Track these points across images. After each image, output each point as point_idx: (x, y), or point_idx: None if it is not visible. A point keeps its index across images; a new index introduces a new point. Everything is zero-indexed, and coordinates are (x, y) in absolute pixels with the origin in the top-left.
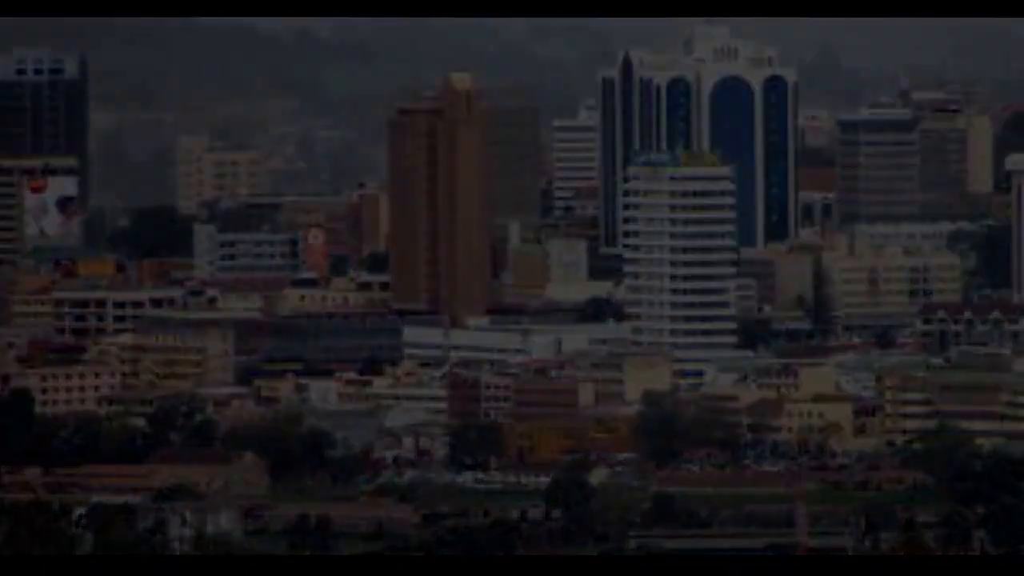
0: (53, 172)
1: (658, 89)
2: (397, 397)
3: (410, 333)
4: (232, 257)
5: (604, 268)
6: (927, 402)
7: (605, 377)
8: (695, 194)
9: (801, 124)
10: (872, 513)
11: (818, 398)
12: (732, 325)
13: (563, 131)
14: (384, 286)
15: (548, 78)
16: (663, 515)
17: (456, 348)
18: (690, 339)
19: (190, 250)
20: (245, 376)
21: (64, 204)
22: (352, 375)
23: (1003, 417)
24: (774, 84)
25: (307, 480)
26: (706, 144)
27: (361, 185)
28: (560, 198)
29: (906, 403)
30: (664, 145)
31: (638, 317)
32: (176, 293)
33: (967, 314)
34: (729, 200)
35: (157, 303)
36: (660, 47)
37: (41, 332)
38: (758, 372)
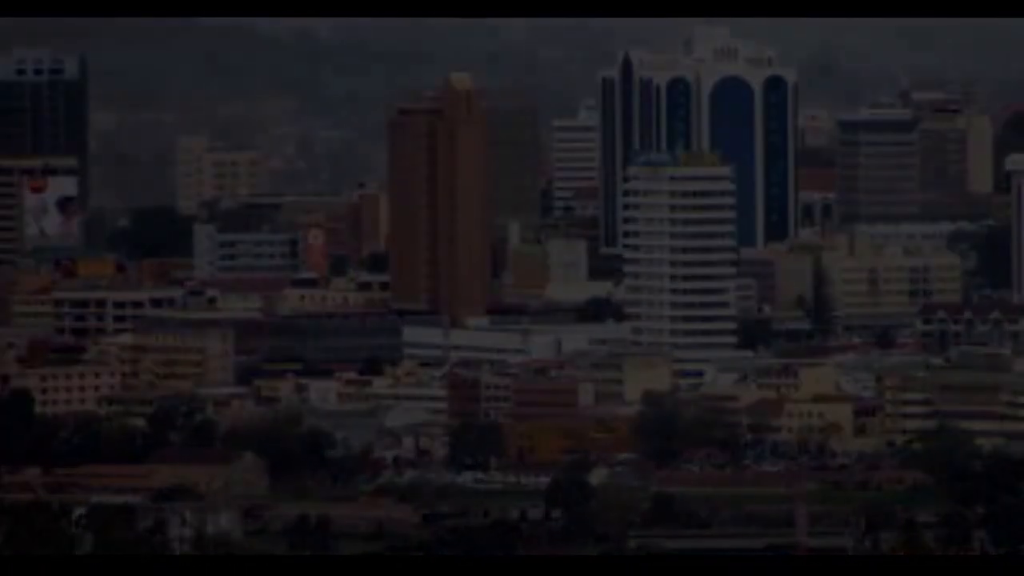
0: (53, 172)
1: (658, 89)
2: (397, 397)
3: (410, 333)
4: (232, 257)
5: (604, 268)
6: (927, 402)
7: (605, 377)
8: (695, 194)
9: (801, 124)
10: (872, 513)
11: (818, 398)
12: (732, 325)
13: (563, 131)
14: (384, 286)
15: (548, 78)
16: (663, 515)
17: (456, 348)
18: (690, 339)
19: (190, 250)
20: (245, 376)
21: (64, 204)
22: (352, 375)
23: (1003, 417)
24: (774, 84)
25: (307, 480)
26: (706, 144)
27: (361, 185)
28: (560, 198)
29: (906, 403)
30: (664, 145)
31: (638, 317)
32: (176, 293)
33: (967, 314)
34: (729, 200)
35: (157, 303)
36: (660, 47)
37: (41, 332)
38: (758, 372)
